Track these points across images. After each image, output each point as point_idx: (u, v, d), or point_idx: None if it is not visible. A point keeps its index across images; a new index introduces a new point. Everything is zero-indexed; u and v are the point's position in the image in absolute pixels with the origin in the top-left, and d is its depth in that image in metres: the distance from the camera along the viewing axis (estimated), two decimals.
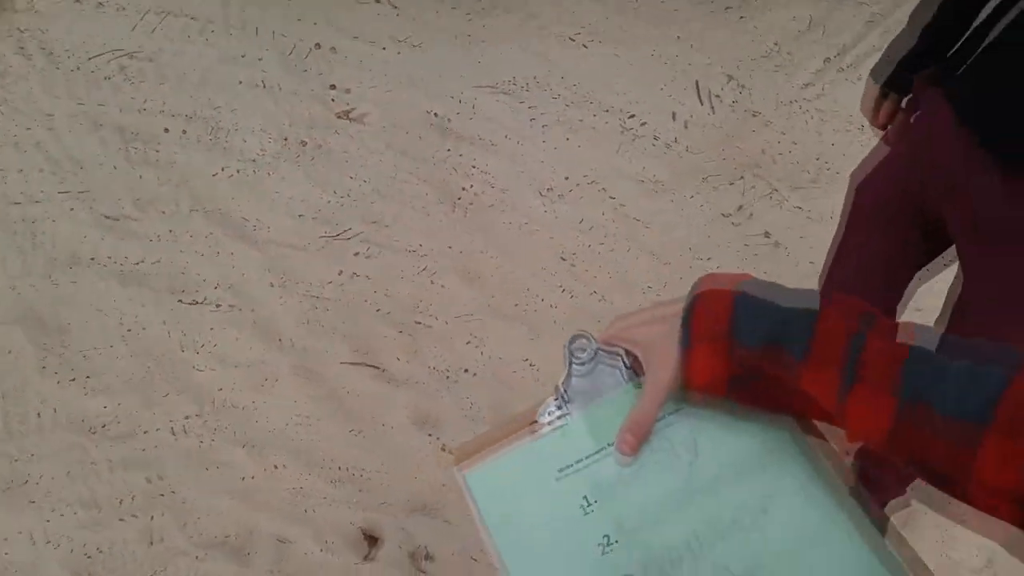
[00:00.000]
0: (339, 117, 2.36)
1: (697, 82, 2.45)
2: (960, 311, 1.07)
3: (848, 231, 1.24)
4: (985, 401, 0.48)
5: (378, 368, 1.83)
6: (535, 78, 2.49)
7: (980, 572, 1.63)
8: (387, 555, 1.57)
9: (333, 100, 2.40)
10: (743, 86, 2.43)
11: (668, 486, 0.59)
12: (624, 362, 0.64)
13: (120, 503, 1.63)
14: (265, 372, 1.82)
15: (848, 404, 0.53)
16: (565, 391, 0.64)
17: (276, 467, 1.69)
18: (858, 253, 1.23)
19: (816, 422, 0.62)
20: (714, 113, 2.37)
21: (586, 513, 0.58)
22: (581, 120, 2.36)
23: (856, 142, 2.26)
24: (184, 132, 2.29)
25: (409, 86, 2.45)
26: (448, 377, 1.82)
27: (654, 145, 2.29)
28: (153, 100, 2.36)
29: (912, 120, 1.10)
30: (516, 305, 1.94)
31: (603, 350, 0.65)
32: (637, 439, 0.60)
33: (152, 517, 1.61)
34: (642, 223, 2.11)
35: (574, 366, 0.64)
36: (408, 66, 2.51)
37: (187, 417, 1.75)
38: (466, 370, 1.83)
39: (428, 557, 1.58)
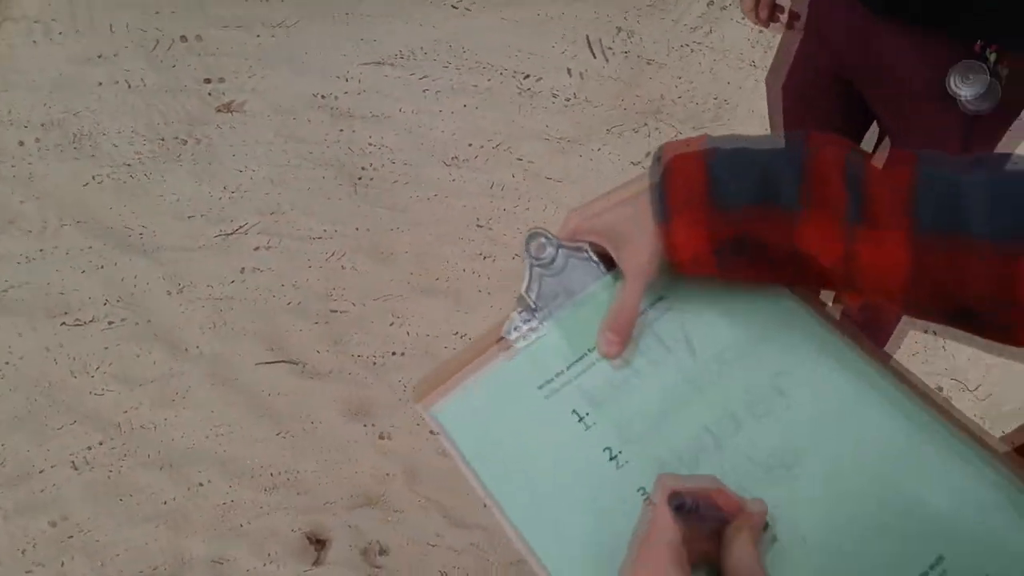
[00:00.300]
0: (219, 110, 2.20)
1: (587, 36, 2.41)
2: None
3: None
4: (1018, 210, 0.42)
5: (297, 363, 1.70)
6: (422, 49, 2.39)
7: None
8: (337, 556, 1.45)
9: (210, 94, 2.23)
10: (633, 35, 2.41)
11: (666, 384, 0.51)
12: (592, 255, 0.56)
13: (23, 553, 1.44)
14: (175, 385, 1.66)
15: (858, 248, 0.46)
16: (531, 299, 0.56)
17: (201, 484, 1.54)
18: None
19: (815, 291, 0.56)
20: (608, 64, 2.33)
21: (582, 428, 0.50)
22: (476, 85, 2.28)
23: (750, 77, 2.27)
24: (39, 141, 2.07)
25: (290, 70, 2.30)
26: (375, 363, 1.71)
27: (553, 102, 2.23)
28: None
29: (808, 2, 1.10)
30: (437, 279, 1.84)
31: (565, 247, 0.56)
32: (621, 337, 0.52)
33: (62, 563, 1.44)
34: (554, 180, 2.05)
35: (535, 269, 0.56)
36: (285, 49, 2.36)
37: (89, 447, 1.57)
38: (394, 353, 1.73)
39: (382, 551, 1.47)
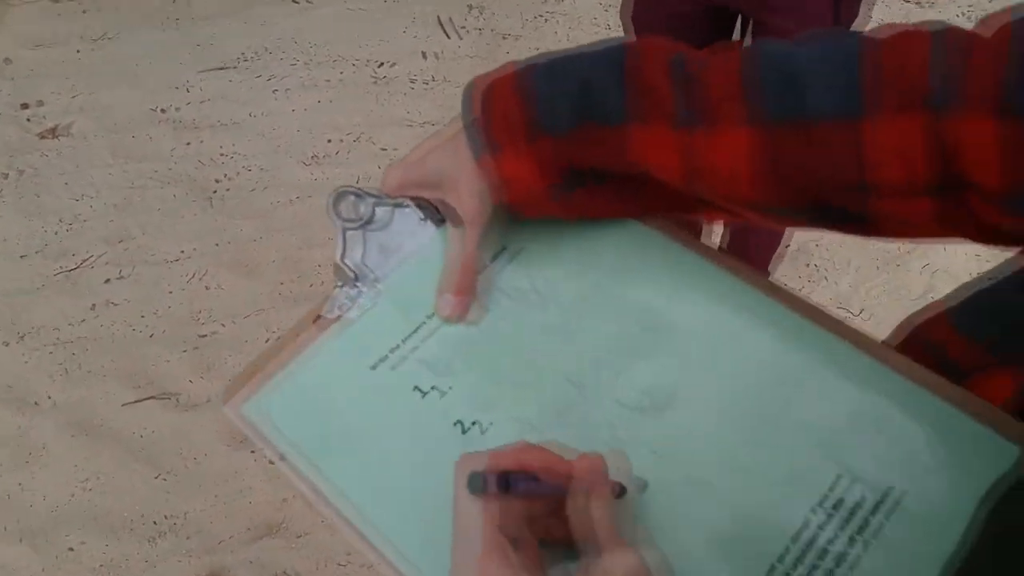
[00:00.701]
0: (43, 137, 1.99)
1: (438, 16, 2.33)
2: None
3: None
4: (850, 85, 0.37)
5: (169, 397, 1.55)
6: (266, 48, 2.25)
7: None
8: None
9: (29, 120, 2.02)
10: (484, 10, 2.35)
11: (518, 340, 0.45)
12: (417, 210, 0.48)
13: None
14: (27, 444, 1.48)
15: (696, 152, 0.41)
16: (349, 267, 0.47)
17: (71, 549, 1.38)
18: None
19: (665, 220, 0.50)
20: (464, 43, 2.27)
21: (426, 404, 0.43)
22: (328, 80, 2.16)
23: None
24: None
25: (120, 85, 2.12)
26: None
27: (412, 87, 2.15)
28: None
29: None
30: (311, 285, 1.72)
31: (384, 203, 0.48)
32: (462, 297, 0.45)
33: None
34: None
35: (348, 232, 0.47)
36: (113, 64, 2.17)
37: None
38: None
39: None
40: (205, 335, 1.64)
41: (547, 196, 0.45)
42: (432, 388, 0.43)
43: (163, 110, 2.08)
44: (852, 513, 0.37)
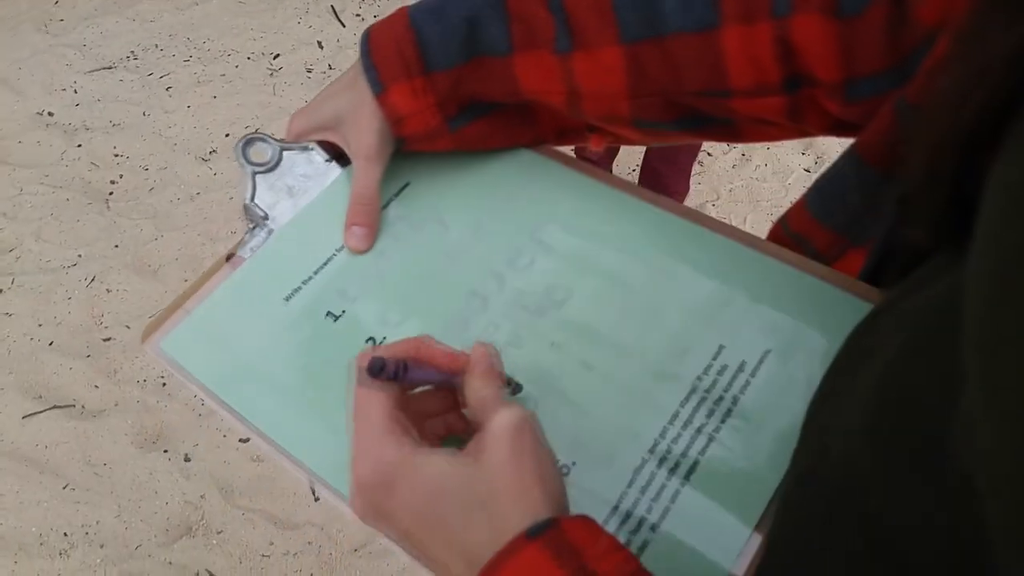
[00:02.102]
0: None
1: (332, 6, 2.31)
2: None
3: None
4: (705, 1, 0.41)
5: (72, 405, 1.51)
6: (156, 46, 2.20)
7: None
8: None
9: None
10: None
11: (422, 262, 0.48)
12: (320, 152, 0.51)
13: None
14: None
15: (576, 75, 0.44)
16: (258, 206, 0.49)
17: None
18: None
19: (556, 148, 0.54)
20: (360, 31, 2.25)
21: (340, 327, 0.45)
22: (223, 75, 2.12)
23: None
24: None
25: (4, 90, 2.04)
26: (165, 383, 1.55)
27: (309, 77, 2.12)
28: None
29: None
30: None
31: (289, 147, 0.51)
32: (367, 228, 0.48)
33: None
34: None
35: (258, 175, 0.50)
36: None
37: None
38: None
39: None
40: (108, 339, 1.60)
41: (443, 130, 0.48)
42: (343, 312, 0.46)
43: (51, 113, 2.01)
44: (734, 376, 0.41)
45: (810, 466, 0.32)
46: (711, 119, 0.46)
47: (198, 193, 1.85)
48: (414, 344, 0.37)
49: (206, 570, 1.35)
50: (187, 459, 1.46)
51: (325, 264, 0.48)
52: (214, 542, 1.38)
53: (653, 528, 0.37)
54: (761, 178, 1.91)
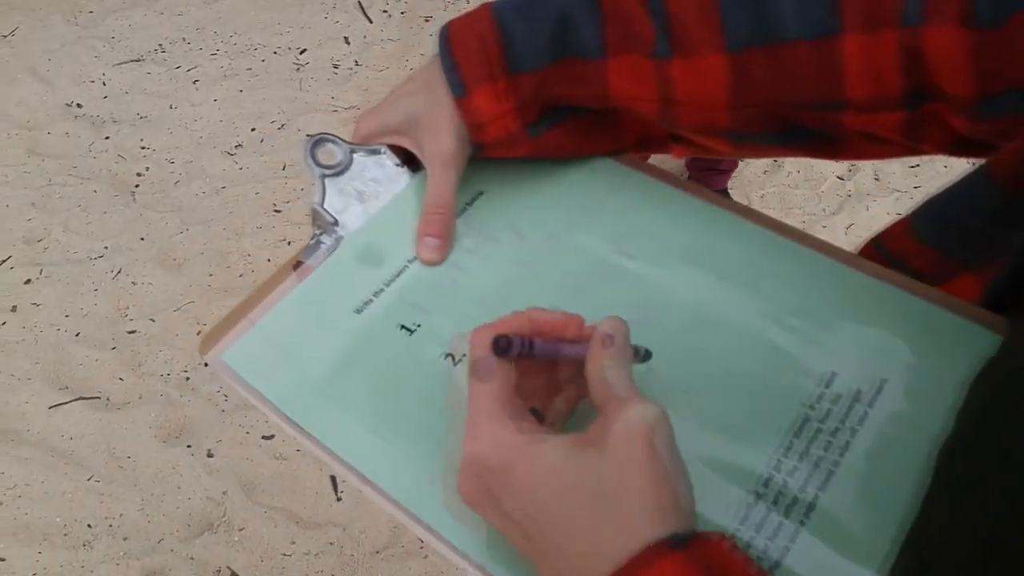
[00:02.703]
0: None
1: (359, 2, 2.30)
2: None
3: None
4: (824, 5, 0.39)
5: (97, 397, 1.51)
6: (185, 40, 2.20)
7: None
8: None
9: None
10: None
11: (499, 274, 0.46)
12: (392, 156, 0.49)
13: None
14: None
15: (674, 82, 0.42)
16: (327, 211, 0.47)
17: (3, 559, 1.34)
18: None
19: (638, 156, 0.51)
20: (386, 27, 2.25)
21: (415, 340, 0.43)
22: (250, 68, 2.12)
23: None
24: None
25: (34, 81, 2.04)
26: (188, 378, 1.55)
27: (336, 73, 2.12)
28: None
29: None
30: (240, 275, 1.70)
31: (359, 150, 0.48)
32: (442, 239, 0.45)
33: None
34: None
35: (327, 179, 0.47)
36: (25, 60, 2.09)
37: None
38: (206, 363, 1.57)
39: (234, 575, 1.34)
40: (133, 331, 1.61)
41: (523, 136, 0.45)
42: (418, 326, 0.44)
43: (79, 105, 2.02)
44: (850, 407, 0.38)
45: (964, 518, 0.29)
46: (815, 133, 0.43)
47: (224, 187, 1.85)
48: (524, 318, 0.35)
49: (227, 567, 1.35)
50: (210, 455, 1.46)
51: (398, 275, 0.46)
52: (236, 539, 1.38)
53: (772, 569, 0.34)
54: (793, 185, 1.89)
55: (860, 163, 1.88)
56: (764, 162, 1.93)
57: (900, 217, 0.46)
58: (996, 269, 0.40)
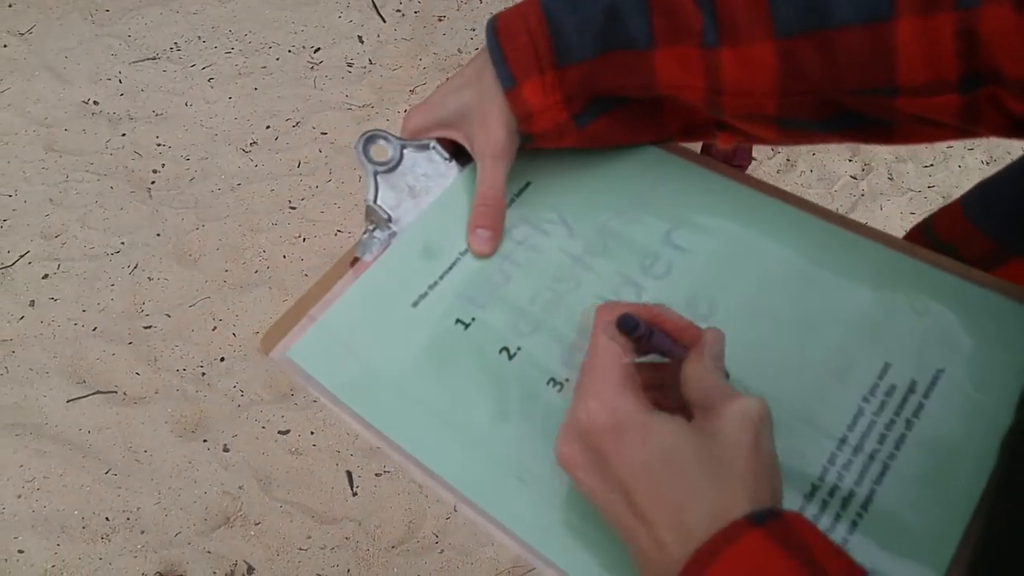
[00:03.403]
0: None
1: (373, 1, 2.31)
2: None
3: None
4: None
5: (114, 391, 1.53)
6: (200, 38, 2.21)
7: None
8: None
9: None
10: None
11: (550, 267, 0.46)
12: (442, 151, 0.50)
13: None
14: None
15: (722, 71, 0.42)
16: (381, 207, 0.48)
17: (21, 551, 1.35)
18: None
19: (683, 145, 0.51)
20: (400, 26, 2.25)
21: (470, 334, 0.44)
22: (264, 67, 2.13)
23: None
24: None
25: (51, 79, 2.06)
26: (204, 373, 1.57)
27: (350, 72, 2.13)
28: None
29: None
30: (256, 271, 1.71)
31: (409, 145, 0.49)
32: (493, 231, 0.46)
33: None
34: None
35: (379, 175, 0.48)
36: (42, 57, 2.11)
37: None
38: (222, 358, 1.59)
39: (249, 570, 1.35)
40: (150, 326, 1.62)
41: (570, 126, 0.46)
42: (473, 320, 0.44)
43: (96, 102, 2.03)
44: (904, 398, 0.38)
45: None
46: (867, 119, 0.43)
47: (239, 184, 1.86)
48: (655, 309, 0.37)
49: (244, 561, 1.36)
50: (226, 449, 1.47)
51: (450, 268, 0.46)
52: (252, 533, 1.39)
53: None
54: (807, 184, 1.89)
55: (874, 163, 1.88)
56: (778, 161, 1.93)
57: (947, 204, 0.45)
58: None
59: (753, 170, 1.90)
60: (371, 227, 0.48)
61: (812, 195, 1.86)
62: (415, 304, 0.45)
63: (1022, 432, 0.33)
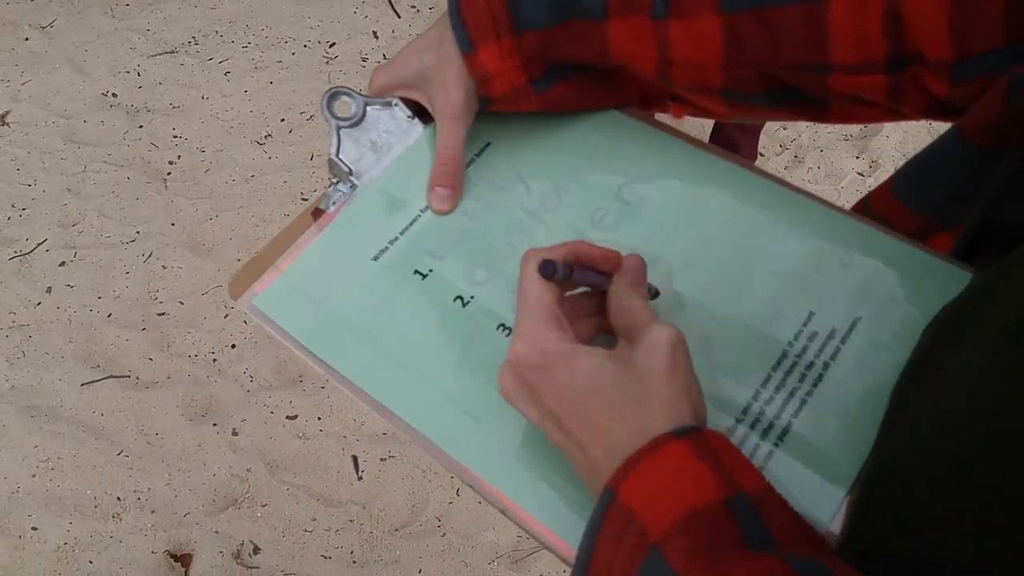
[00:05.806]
0: None
1: None
2: None
3: None
4: None
5: (128, 376, 1.56)
6: (217, 32, 2.25)
7: None
8: (206, 567, 1.35)
9: None
10: None
11: (506, 221, 0.49)
12: (404, 109, 0.51)
13: None
14: None
15: (671, 41, 0.44)
16: (344, 163, 0.50)
17: (35, 528, 1.38)
18: None
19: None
20: (415, 22, 2.28)
21: (427, 284, 0.47)
22: (280, 61, 2.17)
23: None
24: None
25: (71, 71, 2.10)
26: (215, 359, 1.60)
27: (364, 66, 2.16)
28: None
29: None
30: None
31: (374, 103, 0.51)
32: (452, 189, 0.49)
33: None
34: None
35: (342, 130, 0.50)
36: (62, 50, 2.15)
37: None
38: (233, 345, 1.61)
39: (256, 550, 1.38)
40: (163, 313, 1.65)
41: (528, 91, 0.48)
42: (431, 271, 0.47)
43: (114, 94, 2.07)
44: (824, 343, 0.41)
45: (903, 432, 0.32)
46: (803, 95, 0.45)
47: (253, 176, 1.89)
48: (573, 246, 0.39)
49: (250, 541, 1.39)
50: (235, 433, 1.50)
51: (411, 224, 0.49)
52: (259, 515, 1.41)
53: None
54: (814, 180, 1.89)
55: (881, 160, 1.88)
56: (785, 158, 1.94)
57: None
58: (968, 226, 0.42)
59: (762, 165, 1.91)
60: (334, 180, 0.51)
61: (819, 191, 1.86)
62: (376, 258, 0.48)
63: (909, 370, 0.35)
